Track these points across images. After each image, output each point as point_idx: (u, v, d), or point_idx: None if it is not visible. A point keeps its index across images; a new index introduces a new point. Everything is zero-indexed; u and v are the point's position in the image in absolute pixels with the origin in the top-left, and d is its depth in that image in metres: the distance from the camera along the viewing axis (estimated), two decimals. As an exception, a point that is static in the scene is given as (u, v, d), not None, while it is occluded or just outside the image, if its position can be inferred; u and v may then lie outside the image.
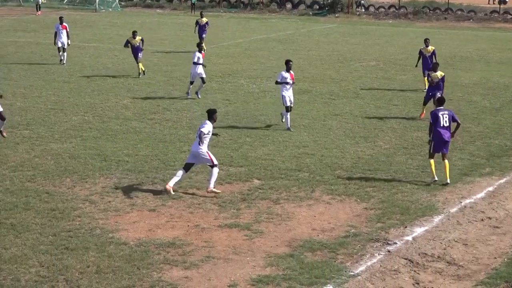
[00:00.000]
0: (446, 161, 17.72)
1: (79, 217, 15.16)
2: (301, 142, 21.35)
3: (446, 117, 17.55)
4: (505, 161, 19.87)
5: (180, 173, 16.78)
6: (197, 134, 16.59)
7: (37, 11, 59.46)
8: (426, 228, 14.97)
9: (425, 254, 13.69)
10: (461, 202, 16.52)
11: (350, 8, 61.99)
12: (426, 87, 27.95)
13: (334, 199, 16.59)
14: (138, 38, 31.39)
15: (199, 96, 27.18)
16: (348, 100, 27.58)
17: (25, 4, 64.75)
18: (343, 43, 44.58)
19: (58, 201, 16.09)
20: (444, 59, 34.84)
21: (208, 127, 16.62)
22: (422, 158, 19.46)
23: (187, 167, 16.86)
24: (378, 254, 13.61)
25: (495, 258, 13.58)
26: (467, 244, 14.21)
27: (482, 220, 15.56)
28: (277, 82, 22.99)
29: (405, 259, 13.46)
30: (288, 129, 22.53)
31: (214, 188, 16.58)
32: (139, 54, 31.35)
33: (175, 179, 16.72)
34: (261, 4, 65.67)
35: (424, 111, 24.14)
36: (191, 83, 27.52)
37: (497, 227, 15.18)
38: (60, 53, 34.60)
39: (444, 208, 16.10)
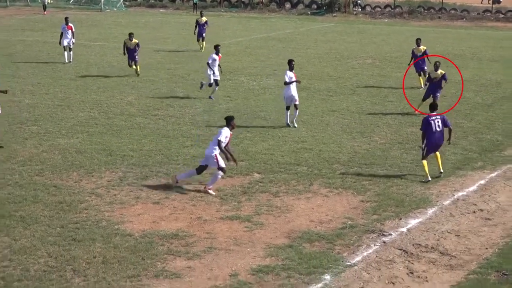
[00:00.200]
0: (437, 152, 17.72)
1: (86, 210, 15.22)
2: (299, 137, 21.38)
3: (438, 122, 17.49)
4: (496, 155, 19.91)
5: (192, 171, 16.79)
6: (214, 142, 16.44)
7: (44, 10, 59.40)
8: (420, 220, 15.02)
9: (419, 245, 13.74)
10: (454, 195, 16.56)
11: (347, 8, 61.92)
12: (422, 85, 28.08)
13: (332, 192, 16.63)
14: (134, 41, 30.91)
15: (205, 91, 26.75)
16: (345, 96, 27.59)
17: (33, 4, 64.63)
18: (340, 42, 44.54)
19: (66, 194, 16.15)
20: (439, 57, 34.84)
21: (224, 133, 16.43)
22: (416, 153, 19.48)
23: (199, 170, 16.73)
24: (374, 245, 13.66)
25: (487, 248, 13.63)
26: (459, 235, 14.26)
27: (474, 212, 15.60)
28: (286, 83, 22.47)
29: (400, 249, 13.51)
30: (288, 125, 22.48)
31: (211, 189, 16.39)
32: (136, 56, 30.81)
33: (184, 175, 16.73)
34: (261, 4, 65.58)
35: (420, 108, 24.08)
36: (210, 85, 26.38)
37: (488, 219, 15.23)
38: (66, 52, 34.58)
39: (437, 201, 16.15)
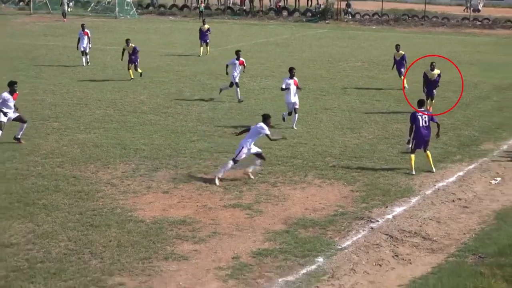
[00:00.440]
0: (428, 152, 17.57)
1: (102, 198, 15.22)
2: (295, 133, 21.36)
3: (425, 117, 17.31)
4: (473, 149, 19.90)
5: (258, 162, 16.74)
6: (257, 135, 16.44)
7: (63, 18, 59.24)
8: (404, 207, 15.02)
9: (403, 230, 13.75)
10: (435, 185, 16.56)
11: (339, 15, 61.76)
12: (405, 86, 28.05)
13: (325, 183, 16.63)
14: (131, 45, 30.63)
15: (219, 93, 26.41)
16: (337, 96, 27.55)
17: (54, 12, 64.40)
18: (332, 46, 44.46)
19: (84, 184, 16.15)
20: (423, 60, 34.73)
21: (266, 127, 16.49)
22: (401, 147, 19.48)
23: (258, 156, 16.73)
24: (363, 230, 13.67)
25: (464, 234, 13.64)
26: (440, 222, 14.28)
27: (453, 201, 15.61)
28: (282, 89, 21.91)
29: (386, 234, 13.52)
30: (283, 119, 22.30)
31: (218, 178, 16.27)
32: (134, 59, 30.31)
33: (252, 167, 16.66)
34: (260, 12, 65.43)
35: (429, 106, 23.50)
36: (231, 85, 25.91)
37: (466, 207, 15.24)
38: (83, 57, 34.50)
39: (420, 191, 16.15)
